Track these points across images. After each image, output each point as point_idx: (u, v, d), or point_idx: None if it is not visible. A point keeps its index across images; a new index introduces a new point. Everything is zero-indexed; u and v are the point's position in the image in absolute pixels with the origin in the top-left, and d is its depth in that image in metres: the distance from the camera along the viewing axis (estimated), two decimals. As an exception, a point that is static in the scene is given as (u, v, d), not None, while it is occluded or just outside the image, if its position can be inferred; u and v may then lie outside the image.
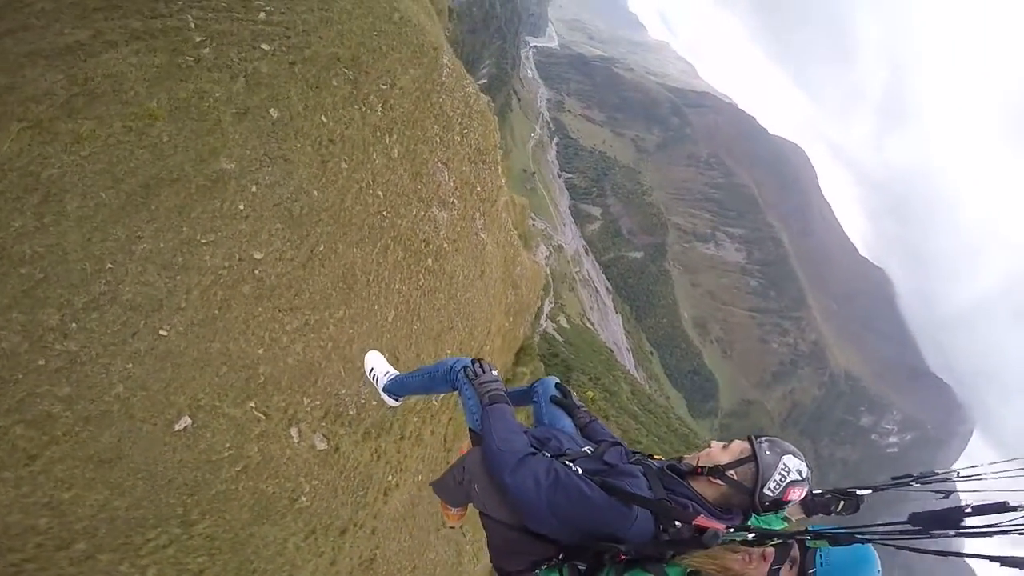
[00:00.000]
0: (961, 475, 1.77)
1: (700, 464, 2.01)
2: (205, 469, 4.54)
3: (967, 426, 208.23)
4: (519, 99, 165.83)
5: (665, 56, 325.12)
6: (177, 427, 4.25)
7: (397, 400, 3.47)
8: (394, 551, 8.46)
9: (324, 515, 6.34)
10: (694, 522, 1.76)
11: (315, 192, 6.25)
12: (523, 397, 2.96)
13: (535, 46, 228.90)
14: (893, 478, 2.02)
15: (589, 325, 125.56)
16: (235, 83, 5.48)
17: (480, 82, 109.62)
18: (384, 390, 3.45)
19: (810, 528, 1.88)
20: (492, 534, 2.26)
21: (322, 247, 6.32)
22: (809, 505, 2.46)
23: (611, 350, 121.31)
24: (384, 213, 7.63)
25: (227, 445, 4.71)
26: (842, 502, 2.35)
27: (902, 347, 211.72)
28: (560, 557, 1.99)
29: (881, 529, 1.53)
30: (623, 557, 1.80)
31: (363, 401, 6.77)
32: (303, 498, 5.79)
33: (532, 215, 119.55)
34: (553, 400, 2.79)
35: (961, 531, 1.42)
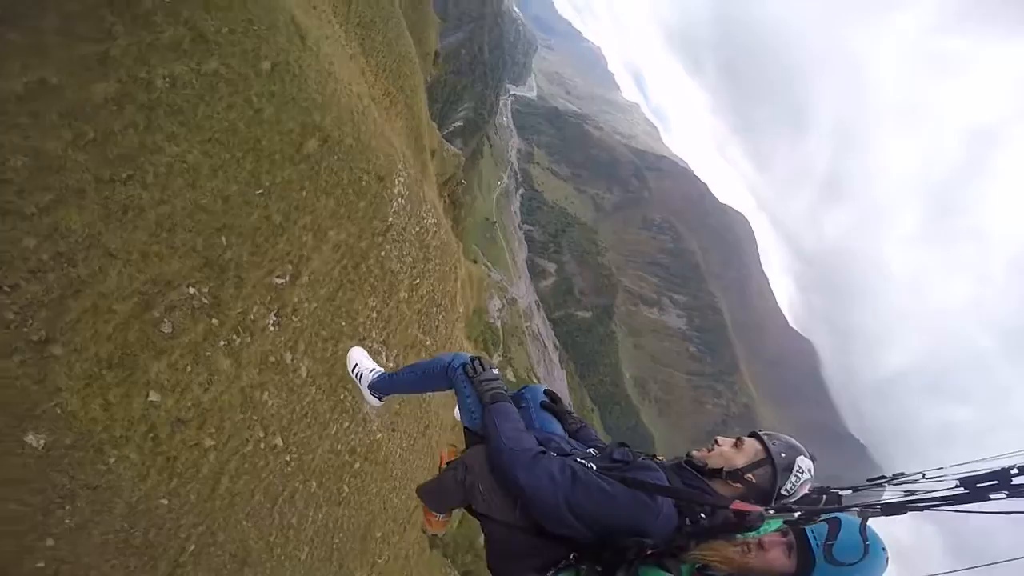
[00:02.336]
0: (927, 476, 1.81)
1: (714, 466, 2.02)
2: None
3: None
4: (491, 145, 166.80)
5: (633, 117, 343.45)
6: None
7: (381, 400, 3.32)
8: None
9: None
10: (732, 507, 1.73)
11: (164, 501, 4.56)
12: None
13: (514, 94, 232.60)
14: (868, 479, 2.12)
15: (535, 380, 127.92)
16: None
17: (456, 124, 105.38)
18: (369, 387, 3.26)
19: (856, 501, 1.87)
20: (494, 538, 2.17)
21: (192, 547, 4.88)
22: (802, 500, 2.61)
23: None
24: (287, 458, 5.69)
25: None
26: (825, 498, 2.48)
27: (824, 411, 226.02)
28: (572, 558, 1.91)
29: (932, 495, 1.51)
30: (649, 551, 1.77)
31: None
32: None
33: (488, 265, 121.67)
34: (543, 406, 2.74)
35: (1013, 491, 1.38)
